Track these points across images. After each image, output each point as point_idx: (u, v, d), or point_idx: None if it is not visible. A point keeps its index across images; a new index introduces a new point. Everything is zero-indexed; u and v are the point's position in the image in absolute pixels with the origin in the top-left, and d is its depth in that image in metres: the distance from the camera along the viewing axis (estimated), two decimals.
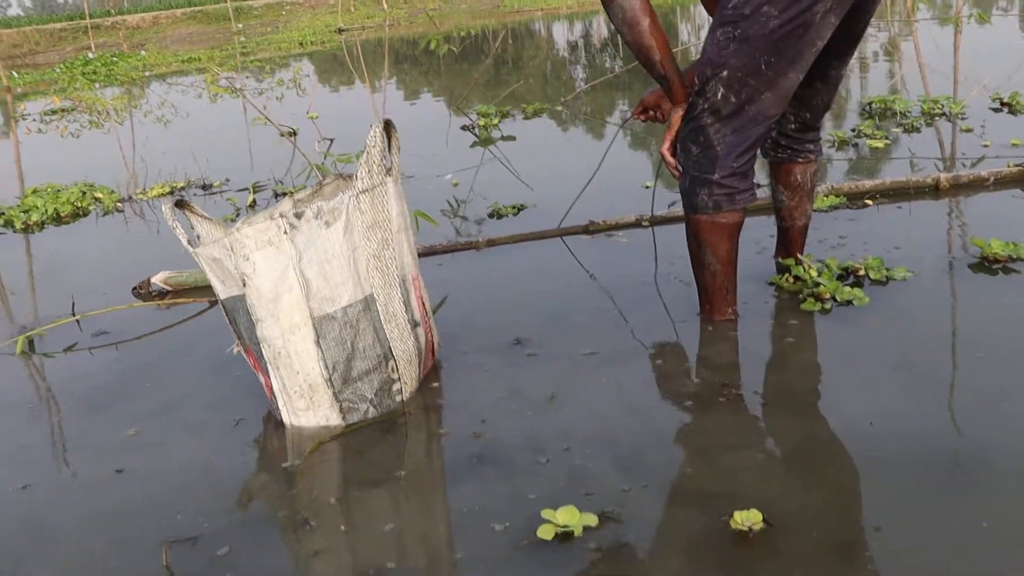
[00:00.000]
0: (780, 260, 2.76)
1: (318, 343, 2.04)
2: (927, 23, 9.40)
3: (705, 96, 2.21)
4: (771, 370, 2.23)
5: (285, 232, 1.96)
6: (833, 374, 2.16)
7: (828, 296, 2.50)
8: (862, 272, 2.65)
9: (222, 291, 2.10)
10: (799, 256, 2.70)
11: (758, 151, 2.34)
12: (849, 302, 2.48)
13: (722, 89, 2.17)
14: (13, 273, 3.96)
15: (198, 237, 2.24)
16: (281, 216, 1.95)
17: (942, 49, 8.17)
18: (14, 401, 2.55)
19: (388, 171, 2.14)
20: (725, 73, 2.16)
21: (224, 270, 2.04)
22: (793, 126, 2.54)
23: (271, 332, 2.04)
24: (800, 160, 2.59)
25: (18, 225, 4.76)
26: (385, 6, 27.09)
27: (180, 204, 2.18)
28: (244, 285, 2.00)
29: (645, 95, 2.59)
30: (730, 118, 2.20)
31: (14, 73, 20.89)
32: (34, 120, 10.59)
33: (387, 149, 2.17)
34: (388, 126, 2.15)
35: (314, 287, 2.01)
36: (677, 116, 2.30)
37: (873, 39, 10.27)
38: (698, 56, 2.32)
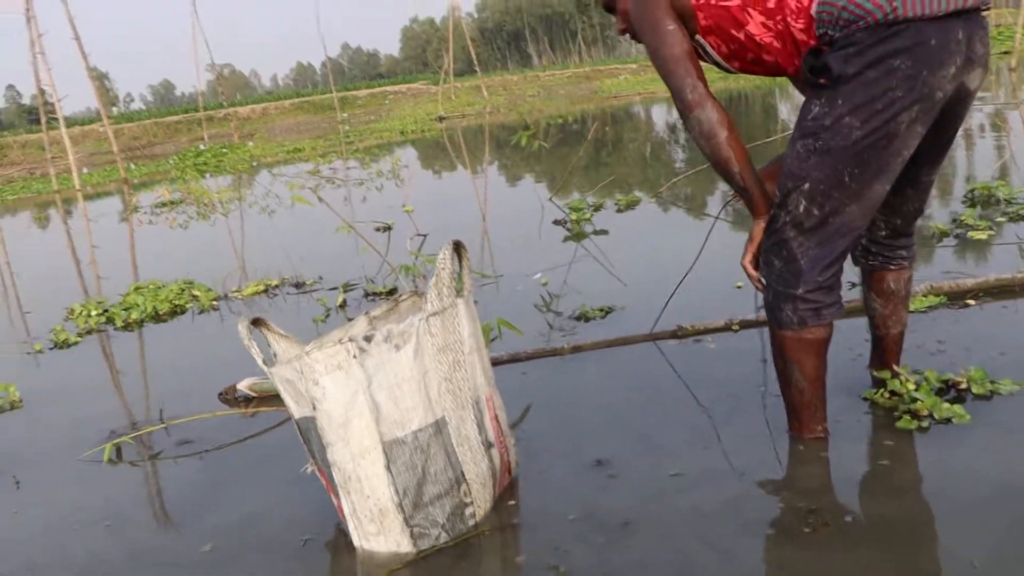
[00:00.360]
0: (875, 372, 2.63)
1: (388, 468, 2.00)
2: None
3: (787, 209, 2.13)
4: (862, 496, 2.10)
5: (355, 356, 1.94)
6: (930, 503, 2.02)
7: (926, 413, 2.36)
8: (964, 385, 2.49)
9: (296, 411, 2.09)
10: (895, 368, 2.56)
11: (845, 262, 2.24)
12: (948, 419, 2.34)
13: (804, 202, 2.09)
14: (108, 373, 4.06)
15: (275, 355, 2.24)
16: (351, 340, 1.94)
17: None
18: (97, 512, 2.57)
19: (459, 292, 2.12)
20: (807, 186, 2.08)
21: (297, 391, 2.03)
22: (884, 233, 2.44)
23: (341, 456, 2.01)
24: (893, 267, 2.48)
25: (119, 323, 4.91)
26: (485, 94, 27.62)
27: (256, 322, 2.18)
28: (314, 408, 1.99)
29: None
30: (813, 231, 2.11)
31: (131, 165, 21.91)
32: (146, 212, 11.03)
33: (458, 268, 2.14)
34: (458, 247, 2.13)
35: (384, 411, 1.98)
36: (759, 228, 2.22)
37: (978, 111, 10.03)
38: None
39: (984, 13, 2.03)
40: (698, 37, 2.19)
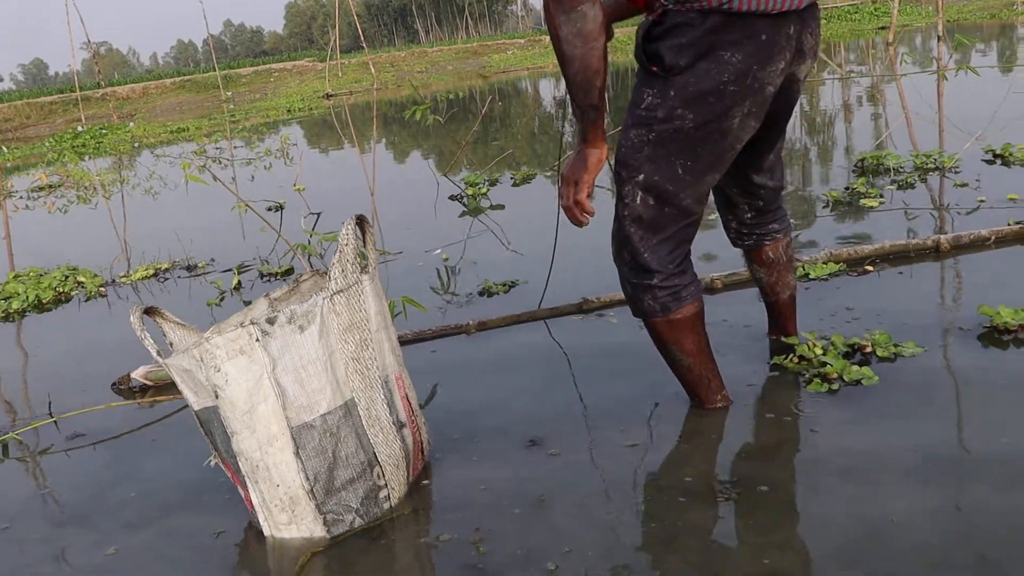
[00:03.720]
0: (778, 338, 2.65)
1: (297, 454, 1.92)
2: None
3: (624, 201, 2.08)
4: (775, 462, 2.11)
5: (257, 340, 1.85)
6: (847, 464, 2.03)
7: (836, 376, 2.39)
8: (869, 349, 2.53)
9: (195, 402, 1.99)
10: (802, 334, 2.59)
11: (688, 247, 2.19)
12: (858, 381, 2.37)
13: (640, 193, 2.05)
14: None
15: (170, 344, 2.12)
16: (252, 323, 1.84)
17: (924, 96, 8.17)
18: None
19: (364, 269, 2.04)
20: (641, 177, 2.04)
21: (196, 381, 1.93)
22: (749, 215, 2.45)
23: (247, 445, 1.92)
24: (768, 242, 2.49)
25: None
26: (373, 71, 27.24)
27: (150, 311, 2.07)
28: (217, 397, 1.89)
29: (566, 171, 2.12)
30: (653, 223, 2.08)
31: (3, 148, 20.97)
32: (21, 197, 10.55)
33: (362, 244, 2.06)
34: (362, 221, 2.04)
35: (290, 395, 1.90)
36: (597, 157, 2.05)
37: (856, 84, 10.31)
38: None
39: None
40: None
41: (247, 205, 3.87)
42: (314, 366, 1.90)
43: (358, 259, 2.00)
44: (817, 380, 2.39)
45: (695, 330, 2.20)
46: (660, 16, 1.95)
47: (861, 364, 2.47)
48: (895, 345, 2.55)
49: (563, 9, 1.87)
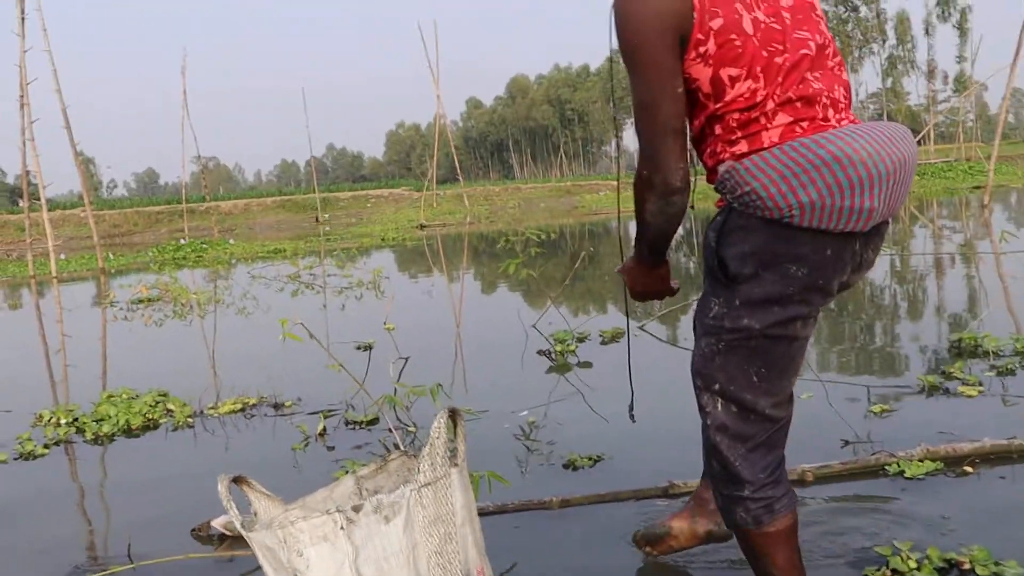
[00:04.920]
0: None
1: None
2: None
3: (705, 411, 2.05)
4: None
5: (342, 528, 1.85)
6: None
7: None
8: (967, 566, 2.42)
9: None
10: (896, 544, 2.49)
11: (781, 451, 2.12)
12: None
13: (721, 402, 2.01)
14: (76, 493, 3.91)
15: (255, 514, 2.13)
16: (339, 511, 1.84)
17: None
18: None
19: (453, 462, 2.04)
20: (717, 387, 2.00)
21: (277, 559, 1.92)
22: None
23: None
24: None
25: (89, 435, 4.76)
26: (466, 203, 27.90)
27: (238, 480, 2.09)
28: None
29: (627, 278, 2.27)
30: (739, 433, 2.01)
31: (110, 254, 21.85)
32: (121, 308, 10.92)
33: (452, 437, 2.06)
34: (454, 414, 2.05)
35: None
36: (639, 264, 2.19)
37: (948, 241, 10.15)
38: None
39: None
40: None
41: (341, 366, 3.94)
42: (396, 558, 1.89)
43: (448, 452, 2.00)
44: None
45: (788, 544, 2.12)
46: (725, 216, 1.94)
47: None
48: (996, 563, 2.42)
49: (656, 194, 1.92)
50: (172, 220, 39.42)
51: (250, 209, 41.81)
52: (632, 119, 1.98)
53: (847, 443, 3.56)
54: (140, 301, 11.40)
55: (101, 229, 25.05)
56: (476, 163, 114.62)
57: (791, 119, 1.87)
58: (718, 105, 1.89)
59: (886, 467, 3.23)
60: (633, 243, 2.13)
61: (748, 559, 2.18)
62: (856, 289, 8.13)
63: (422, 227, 24.83)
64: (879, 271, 9.23)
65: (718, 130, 1.92)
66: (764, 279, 1.89)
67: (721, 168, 1.91)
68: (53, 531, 3.42)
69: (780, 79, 1.87)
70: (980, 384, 4.29)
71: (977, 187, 24.15)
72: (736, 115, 1.88)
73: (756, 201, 1.84)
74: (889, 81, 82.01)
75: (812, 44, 1.93)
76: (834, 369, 5.03)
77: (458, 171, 30.12)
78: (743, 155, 1.87)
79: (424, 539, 1.93)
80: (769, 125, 1.87)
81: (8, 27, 16.99)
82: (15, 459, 4.46)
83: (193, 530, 3.24)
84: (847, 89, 1.97)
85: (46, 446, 4.59)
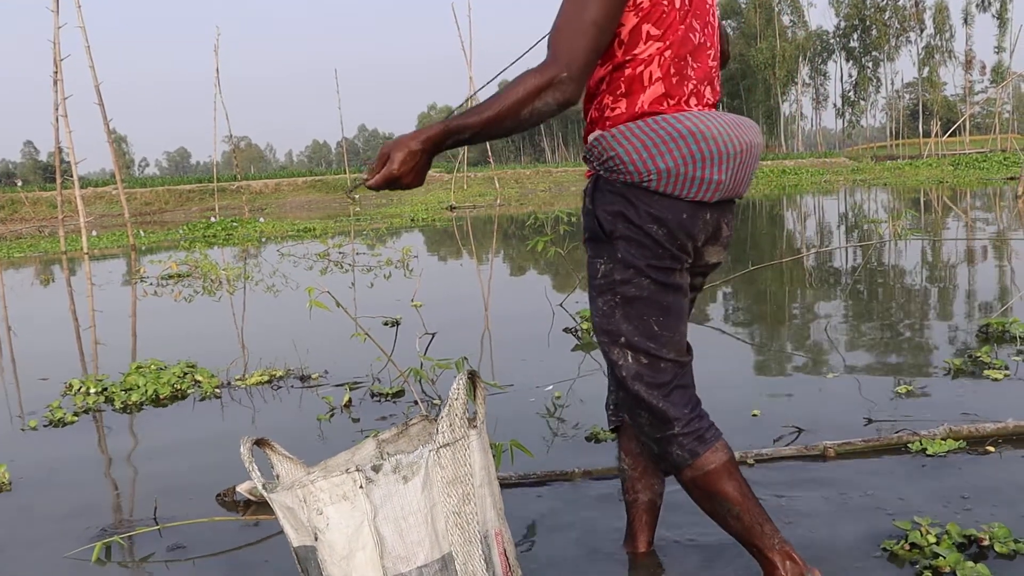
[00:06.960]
0: (631, 552, 2.51)
1: None
2: None
3: (618, 365, 2.12)
4: None
5: (361, 487, 1.87)
6: None
7: (948, 571, 2.28)
8: (987, 542, 2.41)
9: (295, 538, 2.01)
10: (916, 518, 2.49)
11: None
12: None
13: (630, 354, 2.10)
14: (104, 460, 3.97)
15: (277, 477, 2.17)
16: (358, 470, 1.87)
17: None
18: None
19: (472, 423, 2.06)
20: (623, 340, 2.10)
21: (297, 519, 1.95)
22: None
23: None
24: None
25: (117, 404, 4.83)
26: (497, 185, 27.89)
27: (260, 443, 2.12)
28: (316, 539, 1.91)
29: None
30: (655, 378, 2.10)
31: (140, 232, 22.04)
32: (151, 283, 11.03)
33: (471, 399, 2.08)
34: (473, 376, 2.07)
35: (389, 545, 1.90)
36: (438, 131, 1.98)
37: (982, 230, 10.04)
38: None
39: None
40: None
41: (367, 335, 3.97)
42: (415, 517, 1.91)
43: (466, 413, 2.02)
44: (928, 572, 2.29)
45: (733, 477, 2.14)
46: (595, 181, 2.09)
47: (976, 559, 2.35)
48: (1015, 541, 2.42)
49: (554, 92, 1.90)
50: (203, 199, 39.70)
51: (281, 189, 42.01)
52: None
53: (870, 421, 3.55)
54: (170, 277, 11.52)
55: (132, 207, 25.30)
56: (507, 146, 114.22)
57: (663, 92, 2.02)
58: (626, 57, 2.01)
59: (908, 445, 3.22)
60: (462, 119, 1.94)
61: (706, 510, 2.19)
62: (887, 274, 8.09)
63: (452, 208, 24.90)
64: (911, 258, 9.17)
65: (612, 83, 2.03)
66: (634, 234, 2.04)
67: (591, 137, 2.07)
68: (81, 496, 3.48)
69: (684, 54, 2.03)
70: (1006, 368, 4.27)
71: (1012, 178, 23.85)
72: (629, 71, 2.01)
73: (619, 166, 2.00)
74: (926, 71, 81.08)
75: (700, 36, 2.08)
76: (862, 349, 5.02)
77: (489, 154, 30.10)
78: (618, 117, 2.02)
79: (442, 499, 1.96)
80: (647, 87, 2.01)
81: (42, 3, 17.11)
82: (44, 426, 4.53)
83: (218, 495, 3.29)
84: (715, 92, 2.15)
85: (75, 414, 4.67)
